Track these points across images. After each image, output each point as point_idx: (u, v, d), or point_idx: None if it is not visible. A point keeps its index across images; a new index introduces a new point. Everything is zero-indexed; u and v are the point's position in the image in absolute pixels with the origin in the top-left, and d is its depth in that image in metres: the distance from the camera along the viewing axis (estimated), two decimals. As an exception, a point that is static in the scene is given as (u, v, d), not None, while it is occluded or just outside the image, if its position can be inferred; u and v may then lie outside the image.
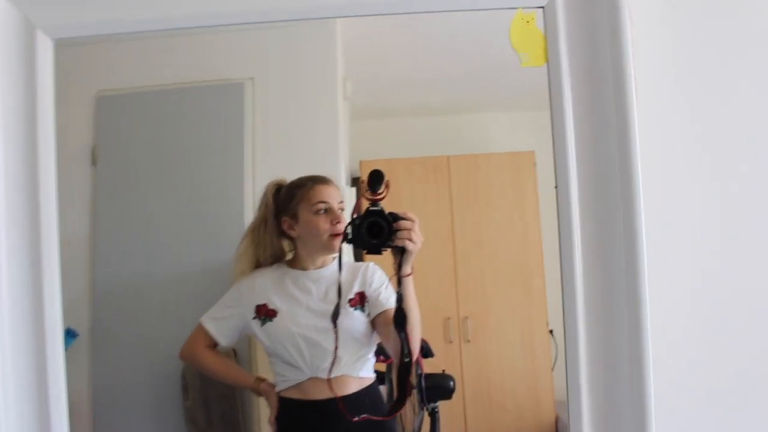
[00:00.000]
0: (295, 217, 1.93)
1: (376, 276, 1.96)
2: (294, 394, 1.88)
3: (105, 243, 2.51)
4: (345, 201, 1.98)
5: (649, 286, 0.96)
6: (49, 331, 1.09)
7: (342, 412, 1.75)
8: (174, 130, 2.57)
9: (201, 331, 2.01)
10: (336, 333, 1.73)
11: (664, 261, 1.01)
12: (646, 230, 0.96)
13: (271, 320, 1.89)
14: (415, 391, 2.39)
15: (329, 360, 1.82)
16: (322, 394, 1.84)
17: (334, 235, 1.89)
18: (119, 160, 2.57)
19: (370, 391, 1.93)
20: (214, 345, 1.99)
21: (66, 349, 1.22)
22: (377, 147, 4.37)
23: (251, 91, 2.57)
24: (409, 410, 2.37)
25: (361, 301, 1.91)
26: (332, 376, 1.81)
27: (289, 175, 2.09)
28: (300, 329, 1.86)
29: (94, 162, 2.56)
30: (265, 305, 1.91)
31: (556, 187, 1.02)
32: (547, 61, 1.04)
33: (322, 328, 1.85)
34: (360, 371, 1.89)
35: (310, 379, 1.86)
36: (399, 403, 1.72)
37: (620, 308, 0.98)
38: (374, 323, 1.91)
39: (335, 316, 1.75)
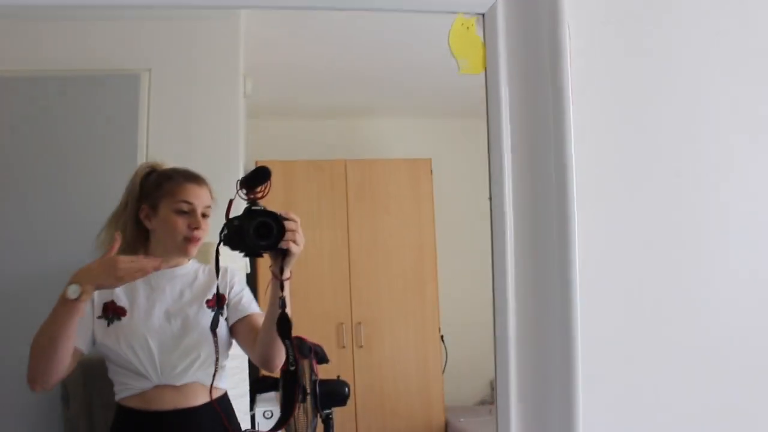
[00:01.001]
0: (154, 208, 1.75)
1: (236, 279, 1.80)
2: (135, 404, 1.68)
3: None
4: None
5: (581, 300, 0.97)
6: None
7: (203, 422, 1.62)
8: (59, 121, 2.41)
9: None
10: (216, 342, 1.62)
11: (596, 275, 1.03)
12: (579, 243, 0.97)
13: (119, 320, 1.69)
14: (309, 398, 2.35)
15: (181, 366, 1.67)
16: (167, 404, 1.66)
17: (189, 240, 1.78)
18: (2, 149, 2.38)
19: (222, 402, 1.74)
20: None
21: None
22: (274, 148, 4.31)
23: (147, 83, 2.45)
24: (302, 416, 2.33)
25: (221, 304, 1.74)
26: (215, 385, 1.71)
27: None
28: (151, 332, 1.67)
29: (-37, 151, 2.37)
30: (112, 302, 1.70)
31: (489, 198, 1.01)
32: (485, 68, 1.03)
33: (177, 331, 1.69)
34: (214, 380, 1.69)
35: (157, 387, 1.67)
36: (285, 414, 1.61)
37: (552, 322, 0.99)
38: (235, 329, 1.75)
39: (215, 324, 1.64)
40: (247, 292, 1.81)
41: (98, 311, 1.71)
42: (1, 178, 2.36)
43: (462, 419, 3.79)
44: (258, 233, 1.43)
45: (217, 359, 1.57)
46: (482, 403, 4.30)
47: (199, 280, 1.78)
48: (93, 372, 2.24)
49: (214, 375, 1.57)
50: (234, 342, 1.79)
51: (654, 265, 1.08)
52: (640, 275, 1.07)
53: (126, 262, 1.54)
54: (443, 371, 3.89)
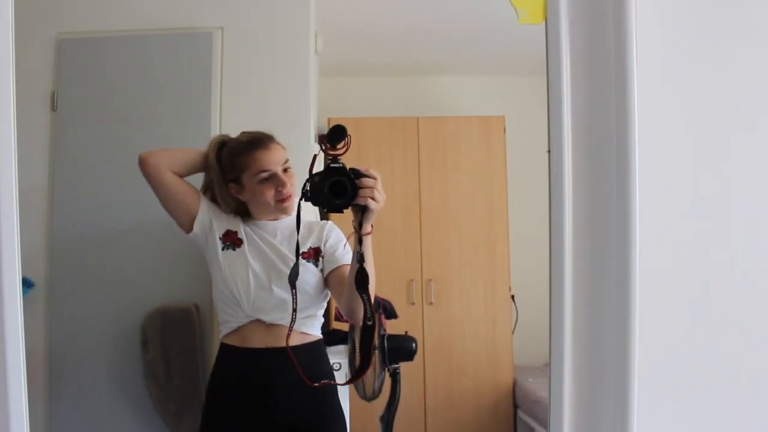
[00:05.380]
0: (239, 183, 1.86)
1: (333, 233, 1.90)
2: (233, 341, 1.85)
3: (64, 192, 2.44)
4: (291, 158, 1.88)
5: (639, 261, 0.92)
6: (6, 280, 1.04)
7: (291, 362, 1.69)
8: (139, 78, 2.48)
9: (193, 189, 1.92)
10: (294, 294, 1.68)
11: (656, 233, 0.98)
12: (640, 199, 0.93)
13: (233, 249, 1.85)
14: (377, 352, 2.39)
15: (270, 305, 1.79)
16: (259, 342, 1.81)
17: (282, 200, 1.84)
18: (81, 106, 2.48)
19: (311, 348, 1.85)
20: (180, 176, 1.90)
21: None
22: (345, 105, 4.33)
23: (220, 41, 2.49)
24: (370, 371, 2.37)
25: (315, 255, 1.86)
26: (307, 331, 1.82)
27: (258, 128, 2.01)
28: (254, 267, 1.82)
29: (54, 107, 2.47)
30: (235, 233, 1.86)
31: (548, 151, 0.97)
32: (546, 18, 0.98)
33: (274, 272, 1.82)
34: (303, 326, 1.83)
35: (251, 323, 1.82)
36: (362, 367, 1.67)
37: (609, 278, 0.95)
38: (328, 280, 1.85)
39: (294, 275, 1.70)
40: (342, 245, 1.87)
41: (220, 233, 1.87)
42: (88, 131, 2.46)
43: (530, 379, 3.79)
44: (332, 191, 1.44)
45: (294, 309, 1.61)
46: (552, 363, 4.28)
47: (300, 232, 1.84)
48: (170, 321, 2.35)
49: (291, 323, 1.62)
50: (326, 293, 1.88)
51: (713, 230, 1.03)
52: (699, 236, 1.02)
53: None
54: (513, 331, 3.88)
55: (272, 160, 1.81)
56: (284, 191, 1.81)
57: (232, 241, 1.87)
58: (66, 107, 2.47)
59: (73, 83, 2.49)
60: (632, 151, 0.92)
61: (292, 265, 1.75)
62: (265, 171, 1.80)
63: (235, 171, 1.84)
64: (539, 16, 0.98)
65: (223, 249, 1.85)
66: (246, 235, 1.87)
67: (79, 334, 2.40)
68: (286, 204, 1.83)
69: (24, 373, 1.05)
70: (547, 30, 0.97)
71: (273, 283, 1.81)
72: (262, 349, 1.81)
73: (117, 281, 2.40)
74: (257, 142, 1.84)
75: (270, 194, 1.81)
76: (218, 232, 1.87)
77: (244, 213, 1.92)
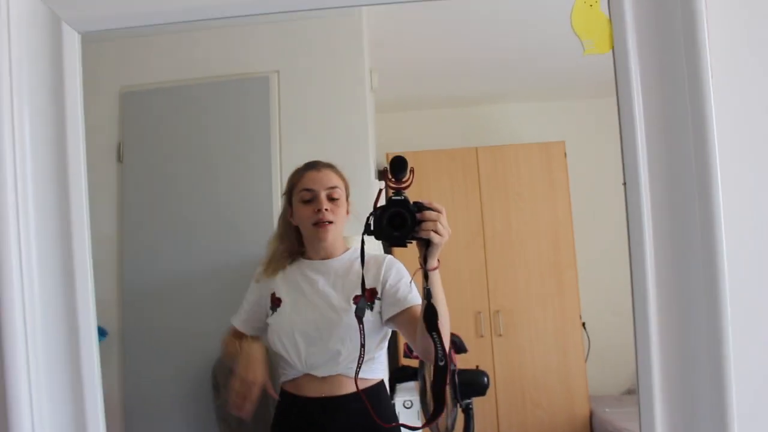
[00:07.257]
0: (291, 206, 1.83)
1: (393, 270, 1.79)
2: (290, 389, 1.80)
3: (133, 241, 2.49)
4: (343, 186, 1.82)
5: (729, 294, 0.87)
6: (83, 329, 1.05)
7: (348, 410, 1.65)
8: (200, 125, 2.54)
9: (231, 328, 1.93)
10: (361, 330, 1.62)
11: (746, 264, 0.92)
12: (726, 228, 0.87)
13: (276, 310, 1.80)
14: (448, 388, 2.33)
15: (323, 360, 1.73)
16: (315, 391, 1.75)
17: (318, 224, 1.77)
18: (145, 156, 2.55)
19: (369, 393, 1.74)
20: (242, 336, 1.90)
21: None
22: (404, 139, 4.33)
23: (276, 85, 2.53)
24: (442, 407, 2.32)
25: (371, 297, 1.75)
26: (364, 376, 1.74)
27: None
28: (299, 324, 1.75)
29: (120, 159, 2.54)
30: (274, 293, 1.82)
31: (624, 183, 0.92)
32: (613, 47, 0.94)
33: (324, 323, 1.74)
34: (359, 372, 1.67)
35: (305, 375, 1.76)
36: (437, 411, 1.59)
37: (697, 315, 0.89)
38: (396, 321, 1.74)
39: (360, 311, 1.64)
40: (404, 284, 1.76)
41: (269, 302, 1.84)
42: (154, 180, 2.52)
43: (607, 410, 3.65)
44: (391, 223, 1.41)
45: (362, 345, 1.55)
46: (629, 392, 4.12)
47: (353, 272, 1.78)
48: (239, 365, 2.36)
49: (358, 367, 1.57)
50: (384, 334, 1.80)
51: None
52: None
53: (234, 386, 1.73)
54: (586, 359, 3.77)
55: (317, 180, 1.79)
56: (320, 215, 1.76)
57: (274, 302, 1.83)
58: (131, 158, 2.54)
59: (137, 134, 2.56)
60: (714, 180, 0.87)
61: (341, 313, 1.73)
62: (308, 190, 1.77)
63: (290, 192, 1.84)
64: (605, 45, 0.93)
65: (272, 314, 1.83)
66: (288, 287, 1.83)
67: (152, 380, 2.43)
68: (321, 230, 1.77)
69: (103, 418, 1.06)
70: (615, 59, 0.93)
71: (324, 334, 1.74)
72: (317, 398, 1.76)
73: (187, 327, 2.43)
74: (311, 164, 1.84)
75: (309, 214, 1.77)
76: (268, 305, 1.85)
77: (290, 257, 1.88)
